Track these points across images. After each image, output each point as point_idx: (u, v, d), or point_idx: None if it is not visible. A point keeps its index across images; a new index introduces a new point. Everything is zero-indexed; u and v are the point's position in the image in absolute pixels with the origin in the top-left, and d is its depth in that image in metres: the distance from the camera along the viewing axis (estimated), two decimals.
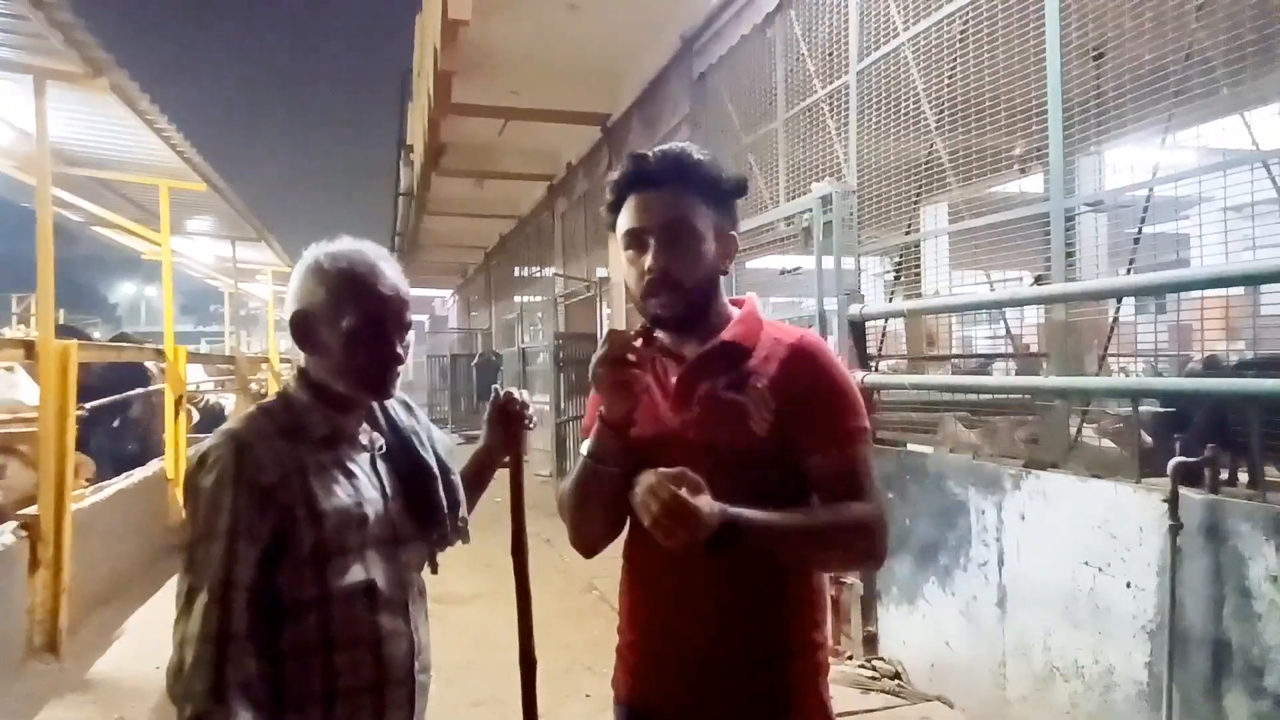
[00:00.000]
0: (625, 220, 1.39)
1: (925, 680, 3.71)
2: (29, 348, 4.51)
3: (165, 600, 5.53)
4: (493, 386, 1.66)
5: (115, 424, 8.38)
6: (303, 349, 1.40)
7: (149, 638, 4.81)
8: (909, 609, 3.85)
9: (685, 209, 1.36)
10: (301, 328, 1.38)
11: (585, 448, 1.38)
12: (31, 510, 4.41)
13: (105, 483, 6.20)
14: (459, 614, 4.60)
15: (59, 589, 4.36)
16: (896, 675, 3.83)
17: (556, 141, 10.72)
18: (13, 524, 4.32)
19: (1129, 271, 3.38)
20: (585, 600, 4.80)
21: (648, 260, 1.35)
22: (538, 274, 14.42)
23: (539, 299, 14.41)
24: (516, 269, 16.42)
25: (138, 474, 6.71)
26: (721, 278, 1.44)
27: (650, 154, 1.38)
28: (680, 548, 1.15)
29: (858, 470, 1.33)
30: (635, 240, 1.37)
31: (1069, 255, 3.35)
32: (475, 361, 17.14)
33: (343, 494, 1.35)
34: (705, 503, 1.15)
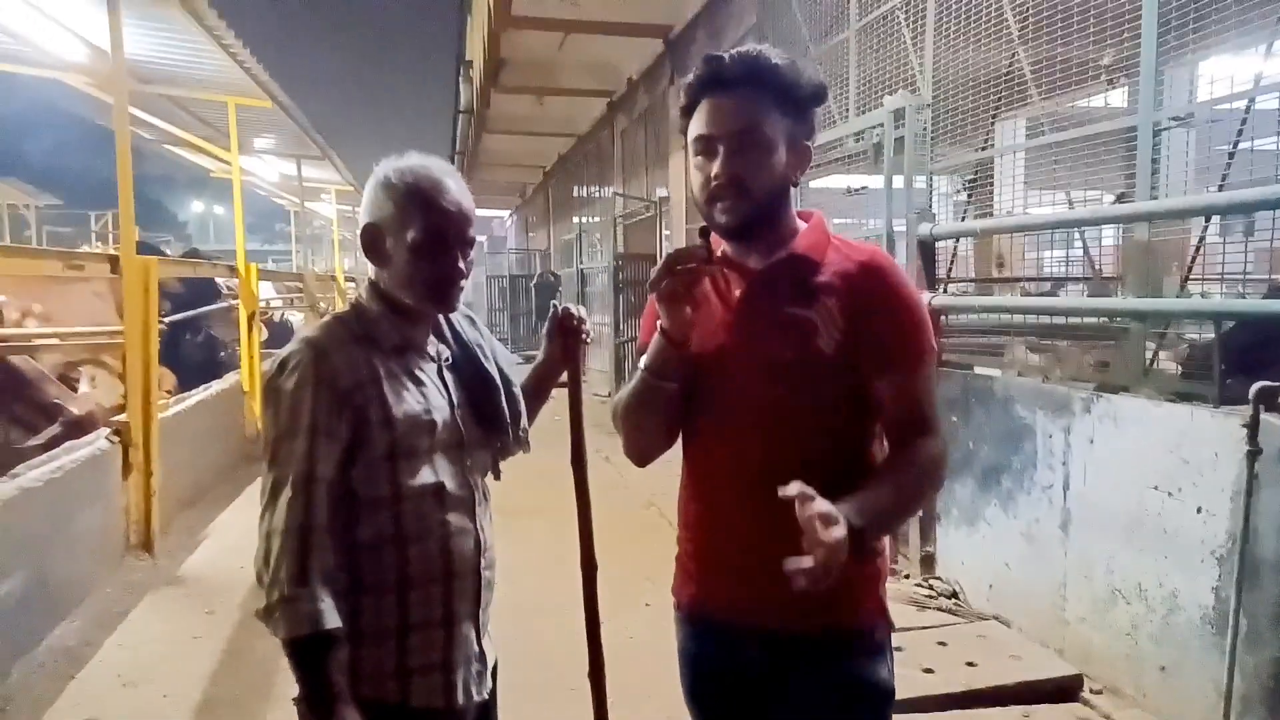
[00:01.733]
0: (696, 125, 1.35)
1: (983, 600, 3.74)
2: (113, 262, 4.68)
3: (245, 504, 5.84)
4: (550, 303, 1.68)
5: (198, 339, 8.70)
6: (372, 260, 1.44)
7: (232, 539, 5.09)
8: (969, 531, 3.85)
9: (758, 115, 1.31)
10: (371, 239, 1.42)
11: (642, 361, 1.39)
12: (121, 418, 4.65)
13: (186, 394, 6.48)
14: (522, 525, 4.75)
15: (150, 491, 4.63)
16: (954, 594, 3.87)
17: (617, 56, 10.48)
18: (105, 430, 4.57)
19: (1220, 189, 3.22)
20: (645, 515, 4.91)
21: (715, 166, 1.31)
22: (597, 194, 14.31)
23: (598, 219, 14.33)
24: (575, 189, 16.31)
25: (215, 386, 7.01)
26: (791, 190, 1.40)
27: (726, 56, 1.33)
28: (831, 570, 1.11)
29: (922, 395, 1.33)
30: (705, 146, 1.34)
31: (1155, 173, 3.20)
32: (534, 282, 17.26)
33: (412, 400, 1.40)
34: (835, 527, 1.11)
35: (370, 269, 1.46)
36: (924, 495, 1.36)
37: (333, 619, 1.26)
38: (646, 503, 5.03)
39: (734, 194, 1.31)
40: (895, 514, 1.30)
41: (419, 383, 1.43)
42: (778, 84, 1.32)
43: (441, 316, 1.51)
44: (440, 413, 1.43)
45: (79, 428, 5.10)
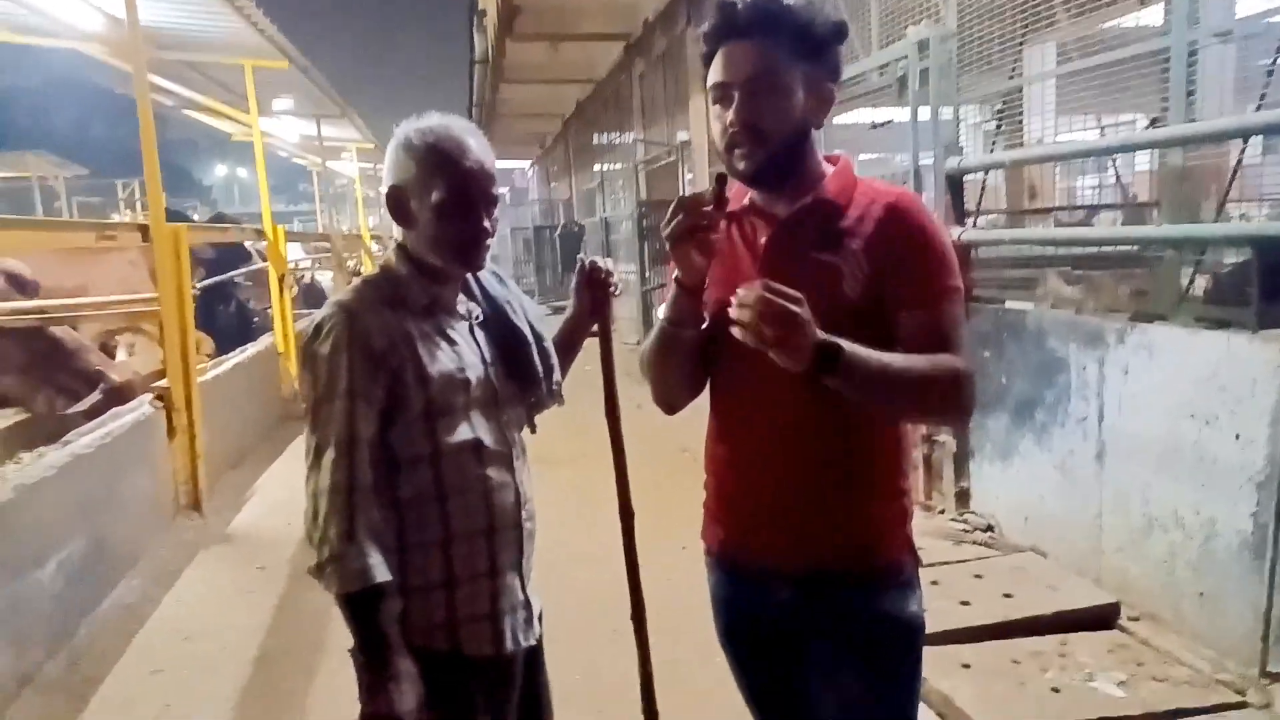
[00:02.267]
0: (713, 73, 1.35)
1: (1018, 533, 3.75)
2: (144, 231, 4.74)
3: (286, 463, 5.98)
4: (578, 256, 1.69)
5: (230, 307, 8.82)
6: (398, 222, 1.45)
7: (277, 497, 5.23)
8: (1003, 465, 3.85)
9: (771, 61, 1.30)
10: (395, 202, 1.43)
11: (661, 311, 1.40)
12: (163, 383, 4.76)
13: (223, 357, 6.61)
14: (558, 474, 4.83)
15: (195, 453, 4.76)
16: (989, 528, 3.89)
17: None
18: (148, 395, 4.69)
19: (1259, 108, 3.12)
20: (679, 460, 4.96)
21: (731, 114, 1.31)
22: (617, 140, 14.16)
23: (619, 166, 14.20)
24: (595, 136, 16.15)
25: (250, 348, 7.12)
26: (816, 132, 1.38)
27: (739, 2, 1.32)
28: (789, 360, 1.15)
29: (947, 326, 1.31)
30: (721, 94, 1.34)
31: (1190, 94, 3.11)
32: (558, 232, 17.19)
33: (446, 359, 1.42)
34: (804, 310, 1.15)
35: (397, 231, 1.48)
36: (933, 392, 1.27)
37: (382, 573, 1.30)
38: (680, 448, 5.08)
39: (750, 140, 1.31)
40: (886, 371, 1.22)
41: (451, 341, 1.45)
42: (792, 27, 1.30)
43: (470, 275, 1.53)
44: (474, 370, 1.46)
45: (119, 394, 5.23)
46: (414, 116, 1.44)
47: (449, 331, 1.46)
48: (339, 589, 1.29)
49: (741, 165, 1.34)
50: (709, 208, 1.29)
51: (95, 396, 5.28)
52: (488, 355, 1.50)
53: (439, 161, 1.39)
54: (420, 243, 1.44)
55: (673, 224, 1.30)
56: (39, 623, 3.16)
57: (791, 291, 1.15)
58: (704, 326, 1.41)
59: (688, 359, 1.43)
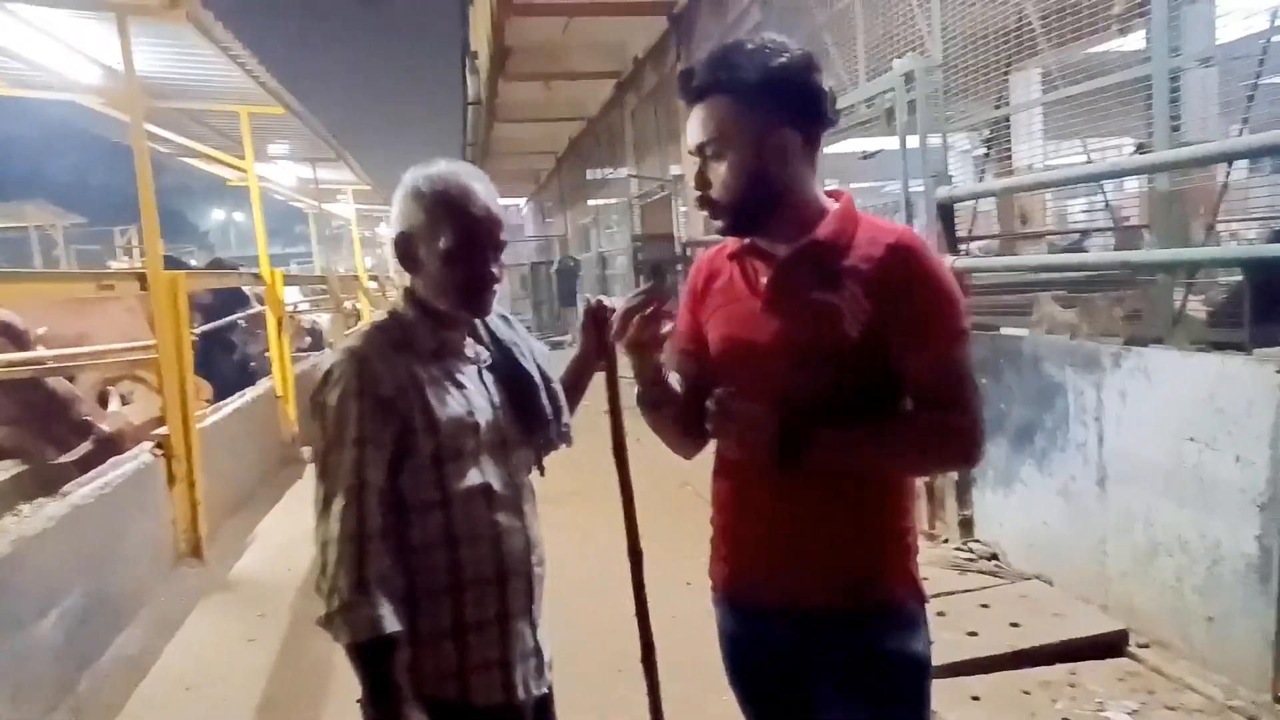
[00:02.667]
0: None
1: (1023, 560, 3.74)
2: (142, 279, 4.76)
3: (286, 507, 5.95)
4: (584, 296, 1.71)
5: (234, 356, 8.85)
6: (406, 268, 1.47)
7: (277, 542, 5.20)
8: (1005, 492, 3.85)
9: (715, 125, 1.34)
10: (404, 248, 1.45)
11: (635, 395, 1.47)
12: (162, 431, 4.75)
13: (222, 403, 6.60)
14: (558, 511, 4.78)
15: (195, 500, 4.74)
16: (994, 556, 3.87)
17: (622, 35, 10.43)
18: (148, 444, 4.68)
19: (1241, 132, 3.17)
20: (680, 495, 4.95)
21: (693, 179, 1.40)
22: (611, 175, 14.28)
23: (613, 201, 14.31)
24: (589, 172, 16.28)
25: (249, 393, 7.11)
26: (805, 168, 1.37)
27: (693, 67, 1.37)
28: (752, 450, 1.29)
29: (955, 373, 1.31)
30: (693, 156, 1.41)
31: (1174, 119, 3.15)
32: (554, 268, 17.27)
33: (454, 403, 1.43)
34: (763, 414, 1.29)
35: (406, 276, 1.49)
36: (928, 455, 1.36)
37: (392, 623, 1.29)
38: (681, 483, 5.07)
39: (708, 205, 1.39)
40: (863, 448, 1.31)
41: (460, 385, 1.46)
42: (736, 84, 1.31)
43: (477, 319, 1.54)
44: (483, 414, 1.46)
45: (110, 444, 5.23)
46: (421, 164, 1.46)
47: (457, 375, 1.46)
48: (349, 639, 1.28)
49: (716, 224, 1.41)
50: (649, 311, 1.37)
51: (86, 446, 5.27)
52: (496, 398, 1.51)
53: (446, 208, 1.41)
54: (428, 288, 1.45)
55: (623, 330, 1.38)
56: (40, 676, 3.13)
57: (753, 407, 1.29)
58: (700, 371, 1.47)
59: (679, 424, 1.50)
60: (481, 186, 1.44)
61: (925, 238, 3.27)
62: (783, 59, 1.31)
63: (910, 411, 1.34)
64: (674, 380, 1.49)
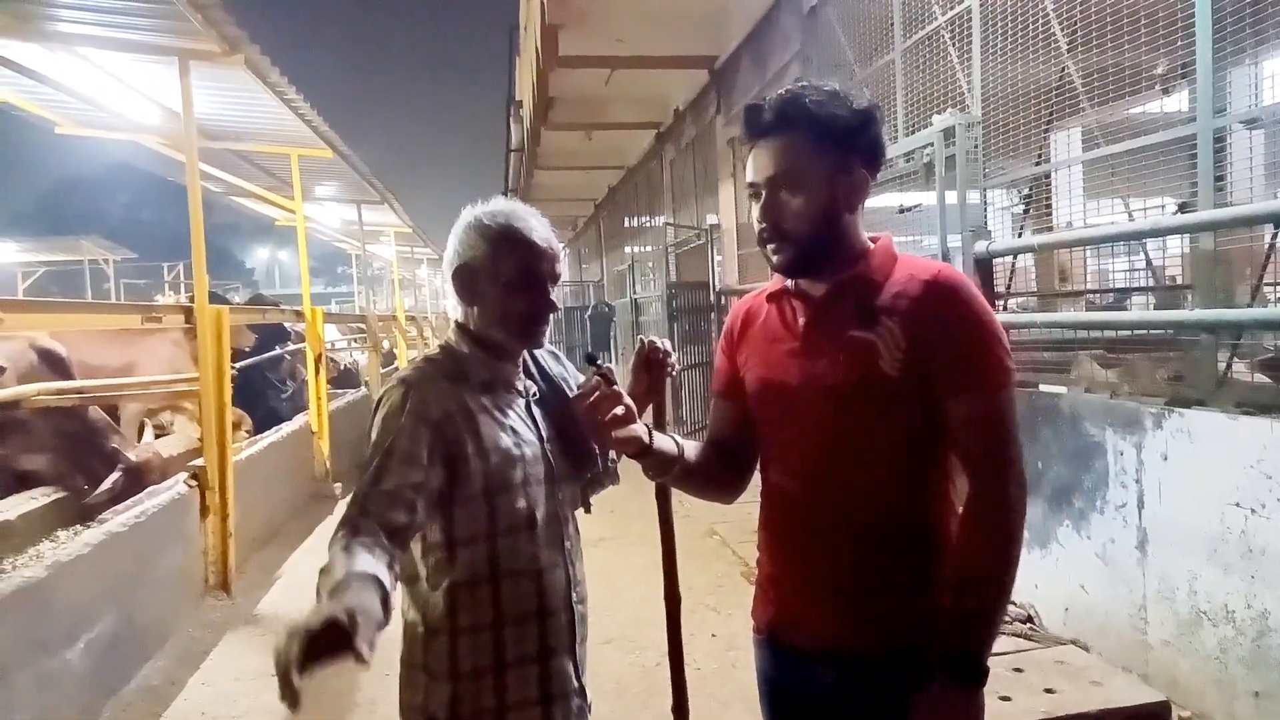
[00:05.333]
0: (746, 172, 1.42)
1: (1059, 624, 3.63)
2: (188, 313, 4.88)
3: (315, 544, 5.97)
4: (639, 337, 1.72)
5: (283, 392, 8.99)
6: (464, 300, 1.49)
7: (304, 578, 5.21)
8: (1041, 553, 3.75)
9: (791, 160, 1.34)
10: (465, 280, 1.48)
11: (643, 468, 1.47)
12: (198, 462, 4.82)
13: (258, 436, 6.69)
14: (588, 553, 4.78)
15: (226, 533, 4.78)
16: (1029, 619, 3.76)
17: (663, 88, 10.61)
18: (183, 475, 4.74)
19: None
20: (707, 544, 4.89)
21: (758, 212, 1.38)
22: (648, 224, 14.43)
23: (649, 249, 14.42)
24: (626, 219, 16.47)
25: (286, 427, 7.21)
26: (853, 214, 1.40)
27: (762, 103, 1.38)
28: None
29: (998, 419, 1.30)
30: (752, 192, 1.40)
31: (1219, 179, 3.12)
32: (589, 313, 17.38)
33: (504, 435, 1.44)
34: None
35: (457, 311, 1.52)
36: (1010, 562, 1.33)
37: (342, 567, 1.20)
38: (709, 530, 5.01)
39: (778, 237, 1.37)
40: (992, 611, 1.31)
41: (508, 417, 1.47)
42: (813, 122, 1.34)
43: (527, 354, 1.57)
44: (530, 447, 1.47)
45: (137, 475, 5.31)
46: (478, 201, 1.51)
47: (507, 408, 1.48)
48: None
49: (775, 259, 1.39)
50: (596, 393, 1.39)
51: (115, 476, 5.34)
52: (545, 432, 1.52)
53: (509, 240, 1.45)
54: (485, 318, 1.48)
55: (591, 423, 1.39)
56: (65, 703, 3.15)
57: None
58: (743, 408, 1.50)
59: (701, 483, 1.53)
60: (539, 223, 1.49)
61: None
62: (861, 103, 1.37)
63: (958, 539, 1.34)
64: (664, 442, 1.46)
